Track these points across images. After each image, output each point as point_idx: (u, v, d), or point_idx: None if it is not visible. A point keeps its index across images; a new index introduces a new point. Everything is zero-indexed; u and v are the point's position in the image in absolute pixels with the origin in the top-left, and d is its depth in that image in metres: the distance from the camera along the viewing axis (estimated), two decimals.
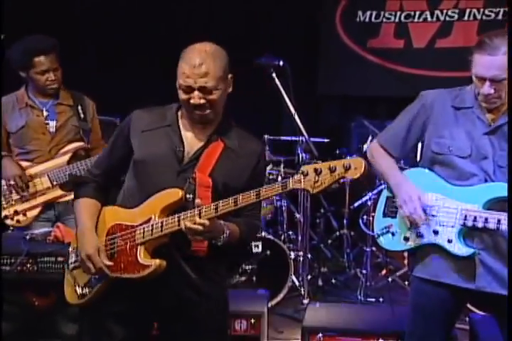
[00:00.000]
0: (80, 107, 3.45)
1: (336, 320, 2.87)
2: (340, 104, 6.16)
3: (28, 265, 2.96)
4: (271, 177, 4.82)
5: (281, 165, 4.87)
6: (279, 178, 4.82)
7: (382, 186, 3.77)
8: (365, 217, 4.66)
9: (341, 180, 1.94)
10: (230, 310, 2.89)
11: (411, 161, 4.01)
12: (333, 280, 4.81)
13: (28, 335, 2.94)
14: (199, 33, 5.59)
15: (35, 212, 3.39)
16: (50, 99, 3.41)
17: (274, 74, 4.25)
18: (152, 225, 2.06)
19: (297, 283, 4.44)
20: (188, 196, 2.05)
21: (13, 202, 3.37)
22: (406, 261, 4.47)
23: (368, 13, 5.91)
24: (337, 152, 5.14)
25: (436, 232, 2.36)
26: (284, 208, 4.89)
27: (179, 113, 2.19)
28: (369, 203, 4.63)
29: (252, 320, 2.88)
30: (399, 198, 2.41)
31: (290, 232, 4.96)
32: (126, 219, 2.14)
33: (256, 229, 2.28)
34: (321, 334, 2.72)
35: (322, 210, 5.27)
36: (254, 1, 5.81)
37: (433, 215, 2.37)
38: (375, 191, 4.64)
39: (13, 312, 2.94)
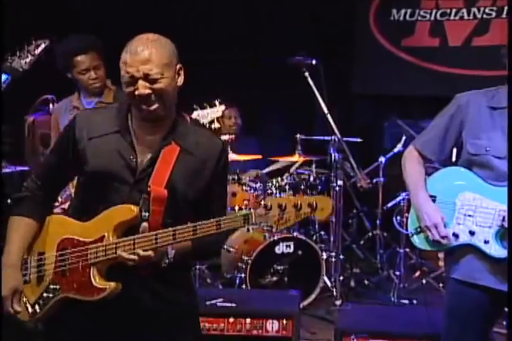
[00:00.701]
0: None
1: (369, 321, 2.83)
2: (374, 103, 6.09)
3: None
4: (303, 177, 4.80)
5: (313, 165, 4.84)
6: (311, 178, 4.80)
7: None
8: (398, 217, 4.59)
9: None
10: (262, 311, 2.93)
11: (446, 163, 3.95)
12: (366, 282, 4.75)
13: None
14: (239, 31, 5.66)
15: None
16: (95, 98, 3.40)
17: (307, 74, 4.23)
18: (106, 246, 1.92)
19: (329, 284, 4.39)
20: (143, 214, 1.92)
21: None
22: (441, 263, 4.40)
23: (403, 11, 5.84)
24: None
25: (472, 233, 2.31)
26: None
27: (129, 115, 2.00)
28: (402, 203, 4.56)
29: (284, 321, 2.86)
30: (421, 221, 2.41)
31: (322, 232, 4.93)
32: (78, 233, 1.99)
33: (220, 235, 2.01)
34: (354, 336, 2.68)
35: (355, 210, 5.22)
36: (288, 0, 5.78)
37: (470, 215, 2.32)
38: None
39: None
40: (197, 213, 1.98)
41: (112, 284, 1.93)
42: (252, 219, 1.82)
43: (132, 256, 1.87)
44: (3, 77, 2.43)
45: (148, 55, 1.89)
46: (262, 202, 1.82)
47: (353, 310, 2.96)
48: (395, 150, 4.95)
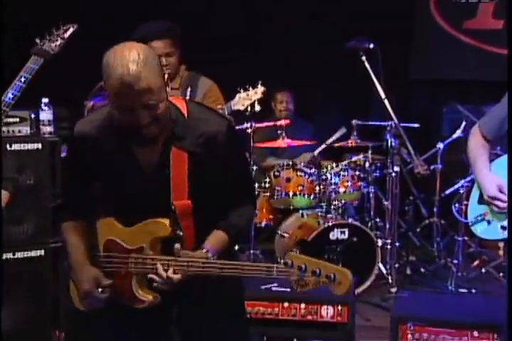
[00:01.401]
0: (189, 89, 3.42)
1: (426, 309, 2.78)
2: (433, 88, 5.94)
3: None
4: (358, 162, 4.74)
5: (369, 151, 4.77)
6: (367, 164, 4.74)
7: None
8: (457, 205, 4.49)
9: None
10: (317, 296, 2.91)
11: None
12: (422, 270, 4.67)
13: None
14: (301, 14, 5.60)
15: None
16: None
17: (364, 58, 4.17)
18: (145, 259, 1.93)
19: (384, 271, 4.35)
20: (177, 232, 1.91)
21: None
22: (501, 252, 4.29)
23: None
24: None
25: None
26: (371, 195, 4.81)
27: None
28: (461, 191, 4.45)
29: (339, 307, 2.84)
30: (484, 192, 2.36)
31: (377, 219, 4.88)
32: (121, 237, 2.00)
33: (249, 215, 2.05)
34: (411, 324, 2.64)
35: (411, 197, 5.13)
36: None
37: None
38: (468, 178, 4.46)
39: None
40: (222, 198, 1.96)
41: (150, 298, 1.95)
42: (273, 273, 1.77)
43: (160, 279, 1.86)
44: (34, 58, 2.51)
45: (146, 85, 1.72)
46: (282, 260, 1.75)
47: (410, 298, 2.91)
48: (454, 136, 4.84)
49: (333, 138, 4.79)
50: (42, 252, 3.39)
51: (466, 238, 4.54)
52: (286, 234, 4.41)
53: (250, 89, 3.56)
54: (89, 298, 1.99)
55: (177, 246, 1.88)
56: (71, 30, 2.56)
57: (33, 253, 3.37)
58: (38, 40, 2.54)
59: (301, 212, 4.47)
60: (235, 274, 1.83)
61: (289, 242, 4.35)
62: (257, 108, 3.57)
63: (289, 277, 1.75)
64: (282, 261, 1.75)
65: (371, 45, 4.17)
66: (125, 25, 3.34)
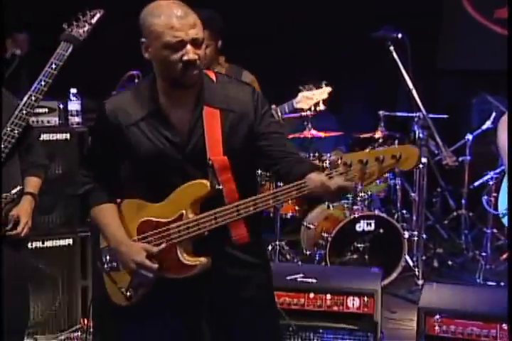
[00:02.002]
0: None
1: (454, 301, 2.75)
2: (462, 78, 5.85)
3: None
4: None
5: (396, 142, 4.71)
6: None
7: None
8: (486, 196, 4.43)
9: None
10: (343, 287, 2.90)
11: None
12: (450, 262, 4.63)
13: None
14: (322, 6, 5.55)
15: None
16: None
17: (391, 47, 4.12)
18: (187, 223, 1.93)
19: (411, 263, 4.32)
20: (216, 186, 1.91)
21: None
22: None
23: None
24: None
25: None
26: (398, 186, 4.77)
27: (154, 89, 1.95)
28: (491, 182, 4.39)
29: (365, 298, 2.82)
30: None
31: (404, 211, 4.84)
32: (155, 214, 1.99)
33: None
34: (438, 316, 2.61)
35: (439, 189, 5.07)
36: None
37: None
38: (497, 170, 4.40)
39: None
40: (270, 159, 1.96)
41: (202, 259, 1.95)
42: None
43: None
44: (63, 44, 2.52)
45: (193, 20, 1.85)
46: (340, 161, 1.75)
47: (438, 290, 2.88)
48: (484, 127, 4.77)
49: None
50: (70, 241, 3.44)
51: (495, 230, 4.48)
52: (311, 226, 4.40)
53: (313, 88, 3.57)
54: (141, 273, 1.96)
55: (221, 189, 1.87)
56: (98, 15, 2.56)
57: (61, 242, 3.42)
58: (65, 26, 2.54)
59: (326, 203, 4.45)
60: (292, 196, 1.81)
61: (315, 233, 4.34)
62: (322, 107, 3.59)
63: (351, 179, 1.73)
64: (342, 161, 1.74)
65: (399, 35, 4.11)
66: None
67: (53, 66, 2.49)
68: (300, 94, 3.61)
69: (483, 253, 4.43)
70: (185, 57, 1.83)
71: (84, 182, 2.09)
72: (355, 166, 1.74)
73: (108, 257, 2.11)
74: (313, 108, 3.60)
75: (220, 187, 1.91)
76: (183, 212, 1.94)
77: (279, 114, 3.63)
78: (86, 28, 2.54)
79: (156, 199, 1.99)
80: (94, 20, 2.54)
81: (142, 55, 3.59)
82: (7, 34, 5.45)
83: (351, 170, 1.74)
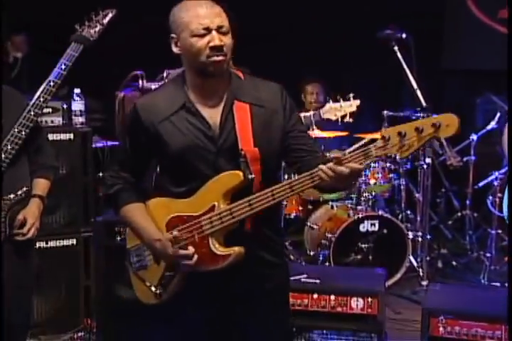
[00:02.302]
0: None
1: (459, 302, 2.73)
2: (466, 78, 5.83)
3: None
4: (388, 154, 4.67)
5: None
6: (397, 156, 4.66)
7: None
8: (491, 197, 4.42)
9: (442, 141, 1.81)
10: (347, 288, 2.89)
11: None
12: (454, 263, 4.61)
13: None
14: (327, 4, 5.54)
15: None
16: None
17: (396, 47, 4.11)
18: (220, 213, 1.95)
19: (415, 264, 4.31)
20: (249, 176, 1.94)
21: None
22: None
23: None
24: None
25: None
26: (402, 187, 4.75)
27: (185, 87, 2.01)
28: (495, 183, 4.37)
29: (369, 299, 2.81)
30: None
31: (408, 211, 4.82)
32: (184, 210, 2.00)
33: None
34: (442, 317, 2.60)
35: (443, 189, 5.06)
36: None
37: None
38: (502, 170, 4.38)
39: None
40: (293, 157, 2.03)
41: (236, 248, 1.95)
42: (372, 153, 1.82)
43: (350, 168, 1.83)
44: (73, 45, 2.48)
45: (218, 10, 1.95)
46: (380, 134, 1.81)
47: (442, 290, 2.86)
48: (488, 127, 4.76)
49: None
50: (74, 241, 3.44)
51: (499, 231, 4.47)
52: (315, 226, 4.39)
53: (341, 100, 3.64)
54: (178, 263, 1.98)
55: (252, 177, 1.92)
56: (110, 15, 2.51)
57: (65, 242, 3.42)
58: (77, 27, 2.49)
59: (330, 203, 4.44)
60: (329, 176, 1.83)
61: (319, 234, 4.33)
62: (350, 120, 3.69)
63: (389, 151, 1.78)
64: (381, 135, 1.80)
65: (403, 35, 4.10)
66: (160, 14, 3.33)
67: (63, 67, 2.45)
68: (327, 105, 3.70)
69: (488, 254, 4.42)
70: (211, 43, 1.91)
71: (113, 182, 2.11)
72: (393, 139, 1.79)
73: (135, 256, 2.13)
74: (340, 119, 3.68)
75: (253, 176, 1.94)
76: (215, 203, 1.96)
77: (310, 121, 3.82)
78: (97, 29, 2.50)
79: (185, 195, 2.02)
80: (106, 21, 2.50)
81: (146, 55, 3.62)
82: (5, 37, 5.45)
83: (389, 143, 1.78)
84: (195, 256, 1.97)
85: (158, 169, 2.17)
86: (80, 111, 3.54)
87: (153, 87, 3.91)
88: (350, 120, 3.74)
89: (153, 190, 2.19)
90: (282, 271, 2.15)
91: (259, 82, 2.07)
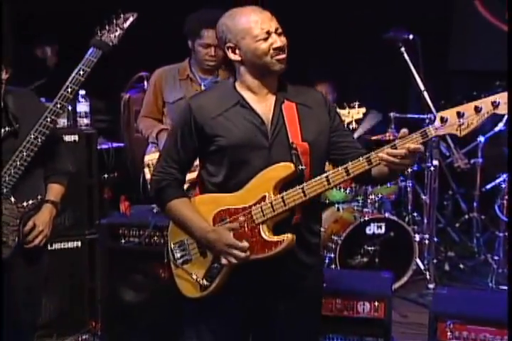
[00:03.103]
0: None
1: (467, 307, 2.70)
2: (474, 79, 5.79)
3: (155, 237, 3.06)
4: None
5: None
6: None
7: None
8: (498, 200, 4.38)
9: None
10: (353, 291, 2.87)
11: None
12: (461, 266, 4.57)
13: (152, 306, 3.05)
14: (334, 6, 5.51)
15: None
16: (209, 76, 3.35)
17: (402, 49, 4.08)
18: (271, 202, 2.01)
19: (422, 267, 4.28)
20: (300, 167, 2.02)
21: None
22: None
23: None
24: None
25: None
26: (408, 189, 4.72)
27: (237, 88, 2.13)
28: (503, 185, 4.33)
29: (376, 303, 2.78)
30: None
31: (415, 214, 4.79)
32: (232, 203, 2.06)
33: None
34: (450, 322, 2.57)
35: (450, 192, 5.02)
36: None
37: None
38: (507, 174, 4.34)
39: (140, 282, 3.07)
40: (338, 154, 2.14)
41: (289, 235, 2.00)
42: (430, 133, 1.91)
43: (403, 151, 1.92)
44: (93, 50, 2.40)
45: (269, 14, 2.09)
46: (438, 115, 1.90)
47: (450, 294, 2.83)
48: (496, 129, 4.71)
49: (367, 126, 4.70)
50: (79, 243, 3.43)
51: (507, 234, 4.42)
52: (321, 228, 4.35)
53: (347, 107, 3.86)
54: (233, 253, 2.01)
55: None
56: (131, 19, 2.43)
57: (70, 245, 3.41)
58: (97, 30, 2.41)
59: (336, 206, 4.41)
60: (391, 157, 1.92)
61: (325, 236, 4.30)
62: (355, 125, 3.95)
63: (447, 131, 1.89)
64: (438, 116, 1.89)
65: (410, 36, 4.07)
66: (168, 14, 3.30)
67: (81, 72, 2.38)
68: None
69: (496, 257, 4.38)
70: (274, 45, 2.05)
71: (162, 178, 2.16)
72: (451, 119, 1.88)
73: (179, 251, 2.16)
74: (345, 125, 3.74)
75: (304, 167, 2.02)
76: (266, 194, 2.01)
77: None
78: (117, 33, 2.41)
79: (232, 189, 2.07)
80: (126, 25, 2.42)
81: (151, 57, 3.59)
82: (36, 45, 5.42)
83: (447, 123, 1.88)
84: (248, 252, 2.01)
85: (203, 167, 2.19)
86: (85, 112, 3.52)
87: None
88: (356, 126, 3.95)
89: (200, 187, 2.21)
90: (318, 272, 2.25)
91: (304, 88, 2.22)
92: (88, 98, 3.58)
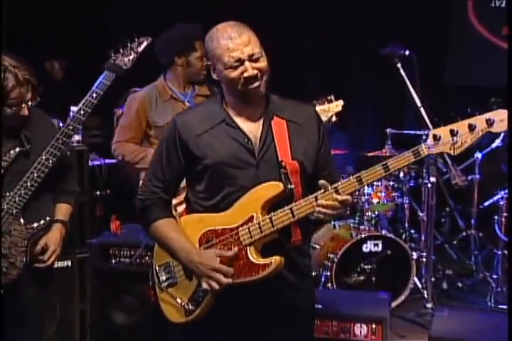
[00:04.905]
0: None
1: (467, 330, 2.64)
2: (470, 95, 5.77)
3: (147, 258, 3.00)
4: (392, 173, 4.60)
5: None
6: (401, 174, 4.60)
7: None
8: (496, 217, 4.33)
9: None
10: (350, 314, 2.81)
11: None
12: (460, 284, 4.50)
13: (143, 327, 2.98)
14: (330, 20, 5.50)
15: (181, 208, 3.31)
16: (188, 91, 3.34)
17: (399, 65, 4.05)
18: (259, 223, 1.95)
19: (419, 285, 4.21)
20: (289, 186, 1.97)
21: None
22: None
23: None
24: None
25: None
26: (405, 205, 4.67)
27: (224, 105, 2.08)
28: (501, 202, 4.28)
29: (373, 326, 2.73)
30: None
31: (412, 231, 4.73)
32: (219, 223, 2.01)
33: None
34: None
35: (447, 209, 4.97)
36: None
37: None
38: (507, 189, 4.29)
39: (131, 304, 3.00)
40: (320, 173, 2.08)
41: (277, 258, 1.93)
42: (422, 152, 1.87)
43: (333, 202, 1.90)
44: (106, 73, 2.40)
45: (247, 37, 1.98)
46: (431, 133, 1.86)
47: (449, 317, 2.77)
48: (493, 145, 4.68)
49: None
50: (69, 263, 3.35)
51: (505, 251, 4.37)
52: (317, 246, 4.29)
53: (326, 102, 3.76)
54: (217, 277, 1.96)
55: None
56: (145, 43, 2.44)
57: (59, 264, 3.33)
58: (112, 53, 2.41)
59: (333, 223, 4.35)
60: (381, 176, 1.91)
61: (321, 254, 4.24)
62: (334, 119, 3.82)
63: (440, 149, 1.84)
64: (431, 134, 1.85)
65: (406, 52, 4.05)
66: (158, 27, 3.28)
67: (94, 95, 2.39)
68: (317, 108, 3.69)
69: (494, 276, 4.33)
70: (245, 74, 1.97)
71: (146, 197, 2.11)
72: (445, 137, 1.85)
73: (165, 274, 2.10)
74: (329, 120, 3.81)
75: (293, 186, 1.96)
76: (254, 214, 1.96)
77: None
78: (131, 57, 2.42)
79: (220, 208, 2.02)
80: (140, 49, 2.42)
81: (144, 72, 3.56)
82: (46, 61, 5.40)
83: (440, 142, 1.84)
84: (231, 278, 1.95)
85: (190, 186, 2.15)
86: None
87: None
88: (335, 119, 3.80)
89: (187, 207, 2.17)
90: (309, 293, 2.17)
91: (295, 103, 2.15)
92: None
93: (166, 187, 2.10)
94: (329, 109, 3.78)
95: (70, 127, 2.38)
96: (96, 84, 2.40)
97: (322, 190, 1.93)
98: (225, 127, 2.03)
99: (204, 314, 2.02)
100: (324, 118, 3.71)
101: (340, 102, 3.76)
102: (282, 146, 2.01)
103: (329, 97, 3.76)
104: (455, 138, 1.82)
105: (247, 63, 1.96)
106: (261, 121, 2.05)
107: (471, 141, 1.83)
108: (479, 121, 1.82)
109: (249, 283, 1.96)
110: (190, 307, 2.03)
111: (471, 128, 1.81)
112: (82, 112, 2.39)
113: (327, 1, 5.48)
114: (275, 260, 1.92)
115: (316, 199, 1.91)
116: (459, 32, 5.70)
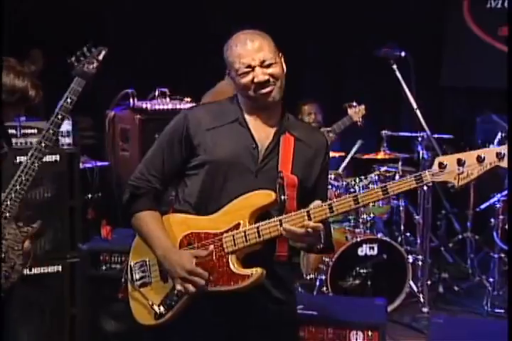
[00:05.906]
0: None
1: (465, 336, 2.59)
2: (465, 97, 5.75)
3: None
4: (388, 174, 4.57)
5: (400, 163, 4.60)
6: (397, 177, 4.56)
7: None
8: (492, 220, 4.29)
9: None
10: (345, 320, 2.76)
11: None
12: (456, 288, 4.46)
13: (132, 334, 2.92)
14: (326, 21, 5.45)
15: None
16: None
17: (394, 66, 4.02)
18: (245, 231, 1.89)
19: (415, 289, 4.17)
20: (282, 197, 1.91)
21: None
22: None
23: None
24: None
25: None
26: (401, 208, 4.63)
27: (240, 106, 2.06)
28: (498, 205, 4.25)
29: (369, 332, 2.68)
30: None
31: (408, 234, 4.70)
32: (204, 227, 1.95)
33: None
34: None
35: (443, 212, 4.92)
36: None
37: None
38: (504, 192, 4.26)
39: (121, 311, 2.93)
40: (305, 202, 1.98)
41: (258, 269, 1.86)
42: (426, 179, 1.78)
43: (302, 230, 1.83)
44: (77, 79, 2.45)
45: (259, 44, 1.99)
46: (437, 160, 1.78)
47: (446, 324, 2.71)
48: (490, 147, 4.63)
49: (352, 152, 4.77)
50: (59, 268, 3.30)
51: (502, 255, 4.33)
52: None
53: (353, 107, 4.52)
54: (193, 280, 1.90)
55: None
56: (103, 52, 2.50)
57: (50, 269, 3.28)
58: (73, 61, 2.45)
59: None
60: (378, 199, 1.85)
61: (316, 258, 4.19)
62: (361, 120, 4.59)
63: (445, 178, 1.76)
64: (437, 162, 1.77)
65: (402, 53, 4.02)
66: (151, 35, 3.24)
67: (69, 100, 2.44)
68: (350, 110, 4.49)
69: (490, 279, 4.29)
70: (255, 80, 1.97)
71: (139, 184, 2.06)
72: (451, 166, 1.76)
73: (139, 272, 2.03)
74: (360, 119, 4.53)
75: (285, 197, 1.91)
76: (241, 221, 1.90)
77: (341, 128, 4.54)
78: (95, 65, 2.47)
79: (209, 211, 1.97)
80: (101, 57, 2.49)
81: (137, 74, 3.51)
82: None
83: (446, 170, 1.76)
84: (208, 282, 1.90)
85: (181, 183, 2.09)
86: (67, 131, 3.41)
87: (144, 105, 3.83)
88: (362, 121, 4.50)
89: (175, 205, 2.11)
90: (293, 307, 2.13)
91: (310, 127, 2.27)
92: (70, 117, 3.46)
93: (162, 178, 2.06)
94: (359, 111, 4.46)
95: (51, 131, 2.43)
96: (69, 90, 2.45)
97: (316, 205, 1.87)
98: (236, 126, 2.02)
99: (175, 318, 1.95)
100: (357, 118, 4.54)
101: (363, 106, 4.48)
102: (285, 160, 1.99)
103: (351, 103, 4.47)
104: (461, 169, 1.74)
105: (257, 69, 1.97)
106: (272, 132, 2.03)
107: (478, 174, 1.74)
108: (489, 153, 1.73)
109: (227, 293, 1.89)
110: (162, 309, 1.95)
111: (480, 160, 1.73)
112: (59, 116, 2.43)
113: (324, 2, 5.44)
114: (256, 271, 1.85)
115: (309, 214, 1.86)
116: (455, 33, 5.67)
